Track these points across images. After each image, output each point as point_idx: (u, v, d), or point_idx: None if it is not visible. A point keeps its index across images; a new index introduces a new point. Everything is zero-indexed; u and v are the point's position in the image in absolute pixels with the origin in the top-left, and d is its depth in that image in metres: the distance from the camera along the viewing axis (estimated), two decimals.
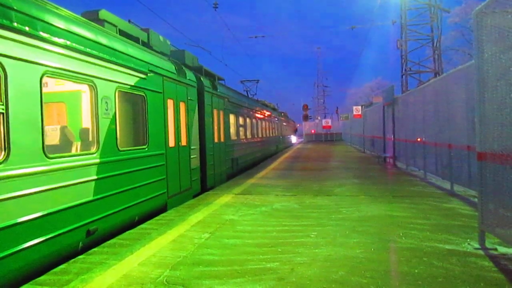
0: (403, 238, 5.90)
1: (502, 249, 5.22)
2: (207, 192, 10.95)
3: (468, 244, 5.51)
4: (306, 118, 58.00)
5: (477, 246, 5.38)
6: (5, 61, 4.55)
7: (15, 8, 4.74)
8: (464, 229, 6.30)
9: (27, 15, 4.93)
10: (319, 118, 73.97)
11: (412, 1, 27.44)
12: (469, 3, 33.70)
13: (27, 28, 4.89)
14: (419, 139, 13.57)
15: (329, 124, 55.06)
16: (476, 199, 6.36)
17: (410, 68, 28.17)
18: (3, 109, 4.51)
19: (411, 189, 10.65)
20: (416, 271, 4.55)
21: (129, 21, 9.18)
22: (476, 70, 5.45)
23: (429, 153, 12.42)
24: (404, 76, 28.09)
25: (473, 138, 6.69)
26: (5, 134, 4.53)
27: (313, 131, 59.04)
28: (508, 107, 4.72)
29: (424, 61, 28.84)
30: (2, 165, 4.46)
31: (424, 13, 27.50)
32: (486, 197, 5.30)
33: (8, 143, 4.55)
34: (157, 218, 7.80)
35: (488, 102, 5.22)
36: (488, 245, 5.36)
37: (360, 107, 33.25)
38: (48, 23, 5.33)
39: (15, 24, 4.71)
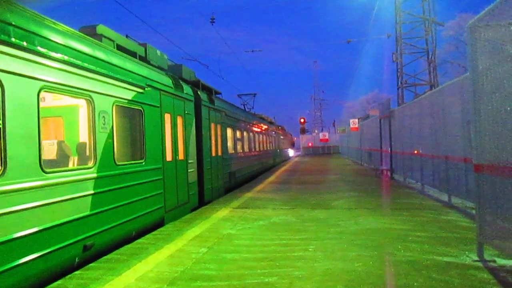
0: (402, 251, 5.88)
1: (501, 261, 5.20)
2: (204, 206, 10.90)
3: (467, 256, 5.49)
4: (303, 131, 58.12)
5: (475, 258, 5.36)
6: (2, 76, 4.56)
7: (13, 23, 4.78)
8: (463, 241, 6.29)
9: (25, 30, 4.97)
10: (316, 131, 74.13)
11: (406, 15, 27.83)
12: (463, 16, 34.20)
13: (25, 43, 4.92)
14: (416, 152, 13.60)
15: (326, 137, 55.26)
16: (474, 211, 6.36)
17: (406, 81, 28.43)
18: (0, 123, 4.50)
19: (409, 201, 10.63)
20: (415, 284, 4.52)
21: (127, 36, 9.24)
22: (471, 83, 5.50)
23: (426, 165, 12.45)
24: (400, 89, 28.32)
25: (470, 150, 6.72)
26: (2, 149, 4.52)
27: (310, 144, 59.14)
28: (503, 118, 4.75)
29: (420, 74, 29.15)
30: None
31: (419, 26, 27.90)
32: (484, 209, 5.29)
33: (5, 158, 4.53)
34: (154, 232, 7.75)
35: (483, 114, 5.26)
36: (486, 257, 5.34)
37: (357, 120, 33.37)
38: (46, 38, 5.36)
39: (13, 39, 4.74)
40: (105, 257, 6.13)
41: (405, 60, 28.36)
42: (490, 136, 5.10)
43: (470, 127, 5.89)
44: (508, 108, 4.63)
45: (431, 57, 27.45)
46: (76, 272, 5.38)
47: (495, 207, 5.01)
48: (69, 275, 5.25)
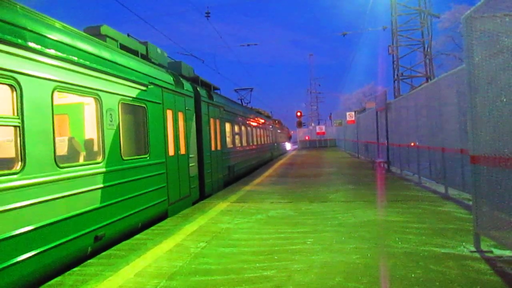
0: (399, 242, 5.92)
1: (498, 252, 5.25)
2: (203, 201, 10.97)
3: (464, 247, 5.54)
4: (300, 125, 58.07)
5: (472, 249, 5.40)
6: (20, 77, 4.80)
7: (28, 28, 4.99)
8: (460, 232, 6.34)
9: (39, 34, 5.18)
10: (313, 124, 74.12)
11: (402, 7, 27.76)
12: (459, 8, 34.08)
13: (39, 47, 5.13)
14: (412, 144, 13.63)
15: (323, 130, 55.25)
16: (470, 202, 6.40)
17: (402, 73, 28.42)
18: (19, 122, 4.75)
19: (406, 193, 10.68)
20: (412, 275, 4.56)
21: (128, 35, 9.35)
22: (467, 74, 5.51)
23: (422, 157, 12.48)
24: (396, 81, 28.32)
25: (466, 142, 6.75)
26: (21, 146, 4.77)
27: (307, 137, 59.13)
28: (499, 110, 4.77)
29: (416, 66, 29.13)
30: (19, 174, 4.70)
31: (415, 18, 27.83)
32: (481, 199, 5.33)
33: (24, 154, 4.79)
34: (152, 228, 7.82)
35: (479, 106, 5.27)
36: (483, 247, 5.39)
37: (353, 112, 33.40)
38: (57, 41, 5.59)
39: (28, 43, 4.96)
40: (103, 253, 6.20)
41: (401, 52, 28.34)
42: (486, 127, 5.12)
43: (466, 118, 5.90)
44: (504, 99, 4.65)
45: (427, 49, 27.42)
46: (75, 269, 5.42)
47: (492, 198, 5.04)
48: (69, 272, 5.30)
